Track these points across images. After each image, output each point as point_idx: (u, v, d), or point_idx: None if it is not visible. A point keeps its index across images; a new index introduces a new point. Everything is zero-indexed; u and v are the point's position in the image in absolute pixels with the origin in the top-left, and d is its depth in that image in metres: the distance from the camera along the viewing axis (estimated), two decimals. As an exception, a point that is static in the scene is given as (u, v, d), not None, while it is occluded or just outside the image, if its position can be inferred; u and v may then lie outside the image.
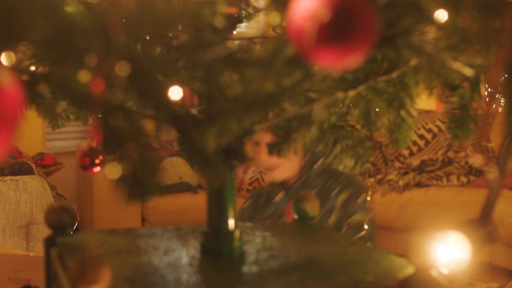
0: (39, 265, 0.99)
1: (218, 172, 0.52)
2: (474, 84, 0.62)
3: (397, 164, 3.89)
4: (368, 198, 1.66)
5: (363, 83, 0.57)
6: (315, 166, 1.62)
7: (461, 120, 0.64)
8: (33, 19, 0.41)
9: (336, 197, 1.61)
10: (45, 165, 3.55)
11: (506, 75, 0.50)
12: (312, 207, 0.76)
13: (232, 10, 0.65)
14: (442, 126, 3.98)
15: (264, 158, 1.64)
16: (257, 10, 0.71)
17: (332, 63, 0.38)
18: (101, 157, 0.69)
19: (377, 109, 0.61)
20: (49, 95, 0.56)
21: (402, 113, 0.61)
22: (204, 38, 0.56)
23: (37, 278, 1.03)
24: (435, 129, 4.03)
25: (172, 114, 0.51)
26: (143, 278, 0.53)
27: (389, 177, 3.66)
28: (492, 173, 0.52)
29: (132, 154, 0.50)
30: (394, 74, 0.56)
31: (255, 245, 0.64)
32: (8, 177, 1.75)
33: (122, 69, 0.45)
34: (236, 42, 0.63)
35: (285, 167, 1.64)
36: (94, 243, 0.66)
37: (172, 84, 0.54)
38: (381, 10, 0.46)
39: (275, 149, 0.60)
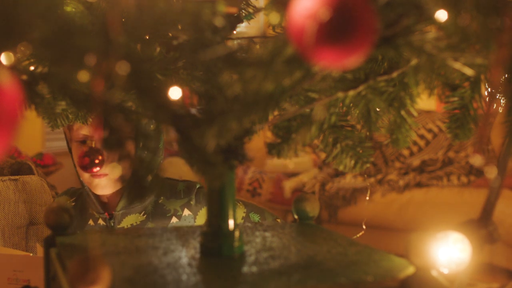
0: (38, 266, 0.99)
1: (218, 172, 0.52)
2: (475, 84, 0.62)
3: (397, 164, 3.89)
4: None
5: (363, 83, 0.57)
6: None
7: (461, 120, 0.64)
8: (33, 19, 0.41)
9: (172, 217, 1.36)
10: (44, 165, 3.54)
11: (506, 75, 0.50)
12: (312, 207, 0.76)
13: (232, 10, 0.65)
14: (443, 126, 3.97)
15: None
16: (257, 10, 0.71)
17: (332, 62, 0.38)
18: (100, 157, 0.69)
19: (377, 109, 0.61)
20: (48, 95, 0.56)
21: (403, 113, 0.61)
22: (204, 38, 0.55)
23: (37, 279, 1.03)
24: (436, 129, 4.03)
25: (172, 114, 0.50)
26: (143, 278, 0.53)
27: (389, 177, 3.66)
28: (492, 173, 0.52)
29: (132, 154, 0.50)
30: (394, 74, 0.56)
31: (255, 245, 0.64)
32: (7, 177, 1.74)
33: (122, 69, 0.45)
34: (236, 42, 0.63)
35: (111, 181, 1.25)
36: (94, 243, 0.66)
37: (172, 84, 0.54)
38: (381, 10, 0.46)
39: (275, 149, 0.60)
